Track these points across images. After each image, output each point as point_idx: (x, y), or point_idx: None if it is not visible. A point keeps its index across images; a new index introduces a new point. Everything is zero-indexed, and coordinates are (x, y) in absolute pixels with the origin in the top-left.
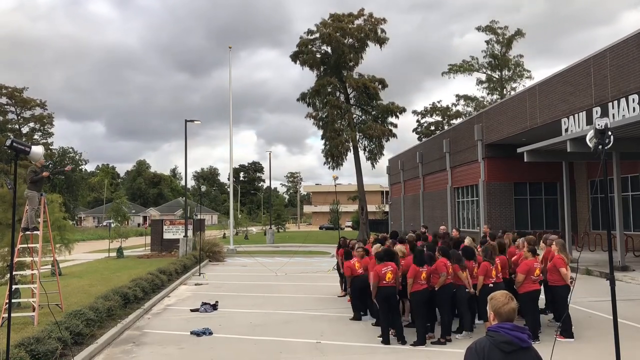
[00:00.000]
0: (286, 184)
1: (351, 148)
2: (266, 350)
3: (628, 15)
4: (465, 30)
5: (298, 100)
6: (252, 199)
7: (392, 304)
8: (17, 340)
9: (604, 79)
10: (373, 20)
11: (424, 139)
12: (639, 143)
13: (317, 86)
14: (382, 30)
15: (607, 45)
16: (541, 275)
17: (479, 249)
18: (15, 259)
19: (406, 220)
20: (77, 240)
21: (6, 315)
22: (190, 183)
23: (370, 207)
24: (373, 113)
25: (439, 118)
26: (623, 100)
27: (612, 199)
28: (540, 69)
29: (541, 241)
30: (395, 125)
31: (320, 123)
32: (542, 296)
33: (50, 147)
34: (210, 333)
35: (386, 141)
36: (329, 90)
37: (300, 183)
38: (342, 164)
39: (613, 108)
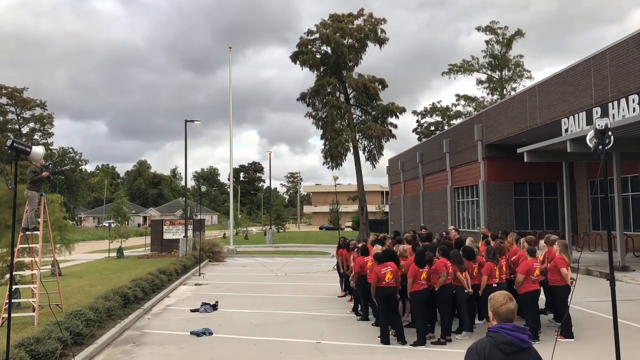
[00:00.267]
0: (286, 184)
1: (351, 148)
2: (266, 350)
3: (638, 13)
4: (473, 28)
5: (298, 100)
6: (252, 199)
7: (391, 304)
8: (17, 341)
9: (604, 79)
10: (373, 20)
11: (424, 139)
12: (639, 143)
13: (316, 86)
14: (382, 31)
15: (607, 45)
16: (541, 275)
17: (482, 250)
18: (15, 259)
19: (406, 220)
20: (77, 241)
21: (6, 315)
22: (190, 183)
23: (370, 208)
24: (373, 113)
25: (439, 118)
26: (623, 101)
27: (612, 199)
28: (548, 68)
29: (542, 241)
30: (395, 126)
31: (320, 123)
32: (542, 296)
33: (50, 147)
34: (210, 333)
35: (386, 141)
36: (329, 90)
37: (300, 183)
38: (341, 164)
39: (613, 108)
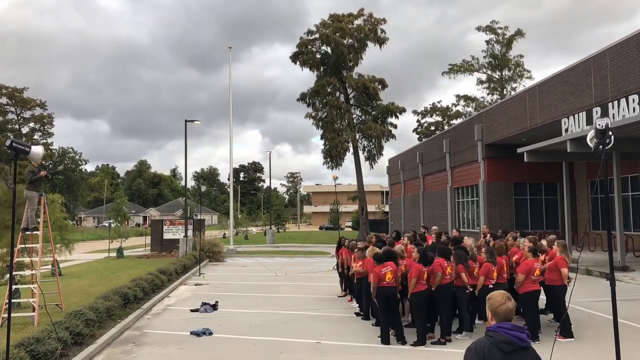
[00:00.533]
0: (286, 184)
1: (351, 148)
2: (266, 350)
3: None
4: (482, 25)
5: (298, 100)
6: (252, 199)
7: (392, 304)
8: (17, 341)
9: (604, 79)
10: (373, 20)
11: (424, 139)
12: (639, 143)
13: (316, 86)
14: (382, 31)
15: (607, 45)
16: (541, 275)
17: (482, 250)
18: (15, 259)
19: (406, 220)
20: (77, 241)
21: (6, 315)
22: (190, 183)
23: (370, 207)
24: (373, 113)
25: (439, 118)
26: (623, 101)
27: (612, 199)
28: (557, 66)
29: (543, 241)
30: (395, 126)
31: (320, 123)
32: (542, 296)
33: (50, 147)
34: (210, 333)
35: (386, 141)
36: (329, 90)
37: (300, 183)
38: (341, 164)
39: (613, 108)
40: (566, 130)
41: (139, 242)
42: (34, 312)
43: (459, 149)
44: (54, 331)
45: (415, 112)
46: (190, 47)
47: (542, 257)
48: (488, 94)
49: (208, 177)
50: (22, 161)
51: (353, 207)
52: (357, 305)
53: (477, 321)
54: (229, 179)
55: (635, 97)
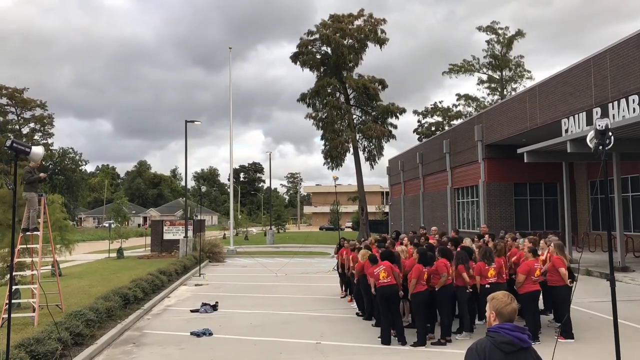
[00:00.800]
0: (286, 184)
1: (351, 149)
2: (266, 350)
3: None
4: (493, 23)
5: (298, 100)
6: (252, 200)
7: (392, 303)
8: (17, 341)
9: (604, 79)
10: (373, 20)
11: (424, 140)
12: (639, 143)
13: (317, 87)
14: (382, 31)
15: (607, 45)
16: (541, 276)
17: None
18: (16, 260)
19: (406, 220)
20: (77, 241)
21: (6, 315)
22: (191, 183)
23: (370, 208)
24: (373, 114)
25: (439, 118)
26: (623, 101)
27: (612, 200)
28: (566, 65)
29: (542, 241)
30: (395, 126)
31: (320, 123)
32: (541, 296)
33: (50, 148)
34: (210, 334)
35: (386, 142)
36: (329, 91)
37: (301, 183)
38: (341, 165)
39: (613, 108)
40: (566, 131)
41: (139, 242)
42: (34, 312)
43: (459, 150)
44: (56, 331)
45: (415, 112)
46: (196, 46)
47: (542, 257)
48: (488, 94)
49: (208, 177)
50: (22, 162)
51: (353, 208)
52: (356, 305)
53: (477, 321)
54: (229, 180)
55: (635, 97)
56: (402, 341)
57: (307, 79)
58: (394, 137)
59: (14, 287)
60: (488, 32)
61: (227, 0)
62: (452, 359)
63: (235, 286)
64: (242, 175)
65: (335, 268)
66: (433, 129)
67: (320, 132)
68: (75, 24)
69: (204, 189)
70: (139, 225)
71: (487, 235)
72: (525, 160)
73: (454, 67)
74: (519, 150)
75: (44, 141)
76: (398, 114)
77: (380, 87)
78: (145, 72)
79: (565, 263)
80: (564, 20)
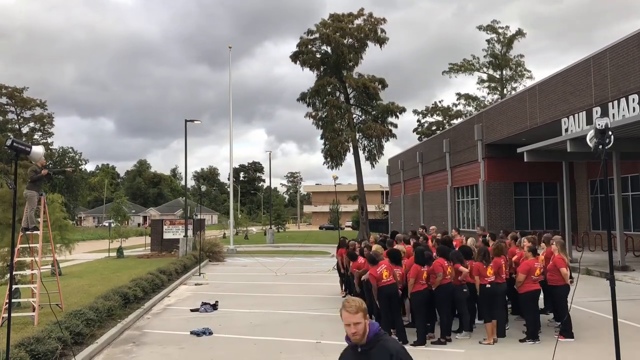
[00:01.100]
0: (286, 183)
1: (351, 148)
2: (266, 350)
3: None
4: (503, 20)
5: (298, 100)
6: (252, 199)
7: (393, 303)
8: (17, 340)
9: (604, 78)
10: (373, 20)
11: (424, 139)
12: (639, 143)
13: (316, 86)
14: (382, 30)
15: (607, 45)
16: (541, 275)
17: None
18: (16, 259)
19: (406, 220)
20: (77, 240)
21: (6, 315)
22: (190, 183)
23: (370, 207)
24: (373, 113)
25: (439, 118)
26: (623, 100)
27: (612, 199)
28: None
29: (541, 241)
30: (396, 125)
31: (320, 123)
32: (541, 296)
33: (50, 147)
34: (210, 333)
35: (386, 141)
36: (329, 90)
37: (300, 183)
38: (341, 164)
39: (613, 108)
40: (566, 130)
41: (139, 242)
42: (34, 311)
43: (459, 149)
44: (58, 330)
45: (415, 111)
46: (201, 43)
47: (541, 256)
48: (488, 94)
49: (208, 177)
50: (22, 161)
51: (353, 207)
52: None
53: (477, 321)
54: (229, 179)
55: (635, 96)
56: (403, 340)
57: (311, 76)
58: (394, 136)
59: (14, 287)
60: (488, 32)
61: None
62: (452, 358)
63: (235, 285)
64: (242, 174)
65: (335, 267)
66: (433, 128)
67: (320, 131)
68: (80, 20)
69: (203, 188)
70: (138, 224)
71: (487, 235)
72: (525, 160)
73: (454, 66)
74: (519, 150)
75: (44, 140)
76: (398, 113)
77: (380, 86)
78: (149, 70)
79: (566, 263)
80: (573, 18)
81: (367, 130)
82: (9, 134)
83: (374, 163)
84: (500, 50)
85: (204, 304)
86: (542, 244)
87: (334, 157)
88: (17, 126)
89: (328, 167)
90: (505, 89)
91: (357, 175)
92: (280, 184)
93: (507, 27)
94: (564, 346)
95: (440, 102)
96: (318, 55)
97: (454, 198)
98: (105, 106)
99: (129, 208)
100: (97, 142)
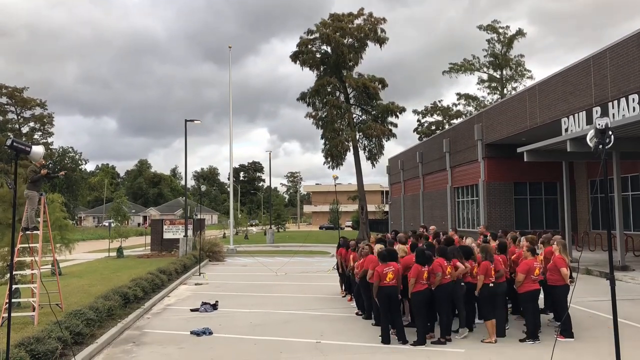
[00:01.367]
0: (286, 183)
1: (351, 148)
2: (266, 350)
3: None
4: (512, 17)
5: (298, 99)
6: (252, 199)
7: (392, 303)
8: (17, 340)
9: (603, 78)
10: (373, 20)
11: (424, 139)
12: (639, 143)
13: (316, 86)
14: (382, 30)
15: (607, 44)
16: (541, 275)
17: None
18: (16, 259)
19: (406, 220)
20: (77, 240)
21: (6, 315)
22: (190, 183)
23: (370, 207)
24: (373, 113)
25: (439, 118)
26: (623, 100)
27: (612, 199)
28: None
29: (540, 241)
30: (396, 125)
31: (320, 123)
32: (541, 296)
33: (50, 147)
34: (210, 333)
35: (386, 141)
36: (329, 90)
37: (300, 183)
38: (341, 164)
39: (613, 108)
40: (566, 130)
41: (139, 241)
42: (34, 311)
43: (458, 149)
44: (58, 330)
45: (415, 111)
46: (206, 41)
47: (540, 256)
48: (489, 94)
49: (208, 176)
50: (22, 161)
51: (353, 207)
52: (356, 305)
53: (477, 320)
54: (229, 179)
55: (635, 96)
56: (403, 340)
57: (313, 76)
58: (394, 136)
59: (14, 286)
60: (489, 31)
61: None
62: (452, 358)
63: (235, 285)
64: (242, 174)
65: (335, 267)
66: (433, 127)
67: (321, 131)
68: (83, 17)
69: (203, 188)
70: (138, 224)
71: (488, 235)
72: (525, 160)
73: (454, 66)
74: (519, 150)
75: (44, 140)
76: (398, 113)
77: (380, 86)
78: (153, 68)
79: (566, 263)
80: (583, 15)
81: (367, 130)
82: (9, 134)
83: (374, 163)
84: (500, 50)
85: (204, 303)
86: (541, 244)
87: (334, 157)
88: (17, 126)
89: (328, 167)
90: (505, 89)
91: (357, 175)
92: (280, 183)
93: (508, 27)
94: (564, 346)
95: (439, 101)
96: (318, 55)
97: (454, 198)
98: (108, 105)
99: (129, 208)
100: (99, 141)
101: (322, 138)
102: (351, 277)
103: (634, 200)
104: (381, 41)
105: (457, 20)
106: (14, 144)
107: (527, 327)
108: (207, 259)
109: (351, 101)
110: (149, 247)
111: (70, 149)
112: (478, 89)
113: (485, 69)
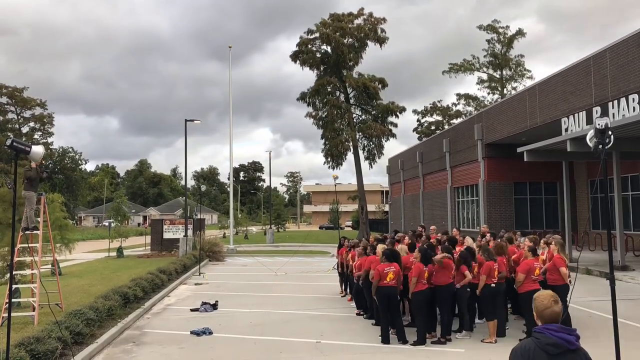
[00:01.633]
0: (286, 183)
1: (351, 148)
2: (266, 349)
3: None
4: (521, 15)
5: (298, 99)
6: (252, 199)
7: (392, 303)
8: (17, 340)
9: (604, 78)
10: (373, 20)
11: (424, 139)
12: (639, 143)
13: (316, 86)
14: (382, 30)
15: (607, 44)
16: (541, 275)
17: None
18: (16, 259)
19: (406, 219)
20: (77, 240)
21: (6, 314)
22: (190, 183)
23: (370, 207)
24: (373, 113)
25: (439, 117)
26: (623, 100)
27: (612, 199)
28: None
29: (541, 241)
30: (396, 125)
31: (320, 123)
32: None
33: (50, 147)
34: (210, 333)
35: (386, 141)
36: (329, 89)
37: (300, 182)
38: (341, 164)
39: (613, 108)
40: (566, 130)
41: (139, 241)
42: (34, 311)
43: (458, 149)
44: (58, 329)
45: (415, 111)
46: (211, 39)
47: (542, 256)
48: (488, 94)
49: (208, 176)
50: (22, 161)
51: (353, 207)
52: (355, 304)
53: (477, 320)
54: (229, 179)
55: (635, 96)
56: (403, 340)
57: (313, 75)
58: (394, 135)
59: (14, 286)
60: (489, 31)
61: None
62: (452, 357)
63: (235, 285)
64: (242, 174)
65: (335, 267)
66: (433, 127)
67: (321, 131)
68: (87, 15)
69: (203, 188)
70: (138, 224)
71: (488, 234)
72: (525, 159)
73: (454, 65)
74: (519, 149)
75: (44, 140)
76: (398, 113)
77: (380, 85)
78: (156, 66)
79: (566, 262)
80: (593, 12)
81: (367, 129)
82: (9, 134)
83: (373, 163)
84: (500, 50)
85: (204, 303)
86: (542, 244)
87: (334, 156)
88: (17, 126)
89: (329, 167)
90: (505, 89)
91: (357, 175)
92: (280, 183)
93: (508, 26)
94: None
95: (439, 101)
96: (318, 55)
97: (453, 198)
98: (110, 104)
99: (128, 208)
100: (101, 140)
101: (322, 138)
102: (350, 277)
103: (634, 200)
104: (381, 41)
105: (465, 18)
106: (14, 144)
107: (527, 327)
108: (207, 258)
109: (351, 101)
110: (149, 247)
111: (70, 149)
112: (478, 89)
113: (485, 69)
